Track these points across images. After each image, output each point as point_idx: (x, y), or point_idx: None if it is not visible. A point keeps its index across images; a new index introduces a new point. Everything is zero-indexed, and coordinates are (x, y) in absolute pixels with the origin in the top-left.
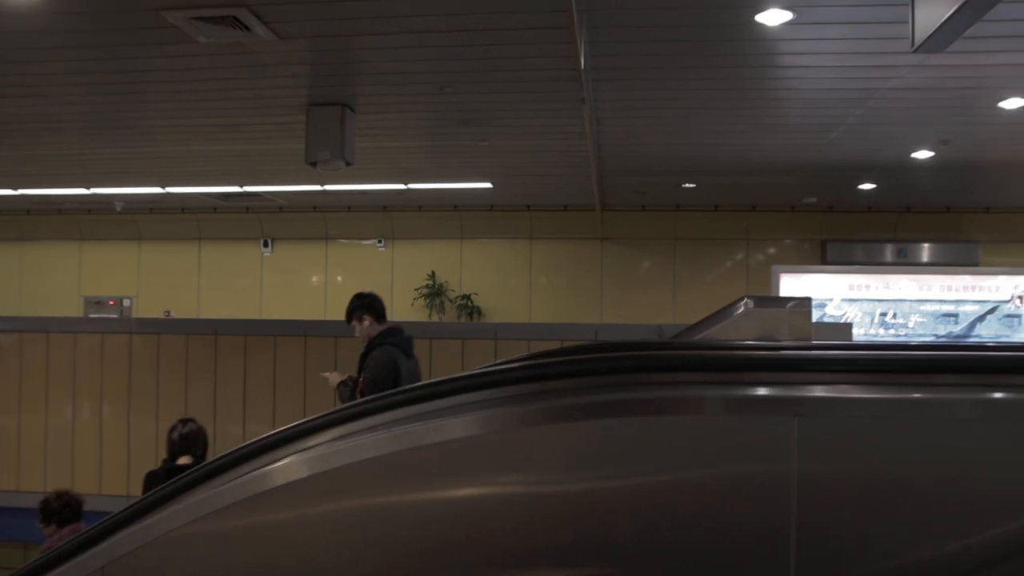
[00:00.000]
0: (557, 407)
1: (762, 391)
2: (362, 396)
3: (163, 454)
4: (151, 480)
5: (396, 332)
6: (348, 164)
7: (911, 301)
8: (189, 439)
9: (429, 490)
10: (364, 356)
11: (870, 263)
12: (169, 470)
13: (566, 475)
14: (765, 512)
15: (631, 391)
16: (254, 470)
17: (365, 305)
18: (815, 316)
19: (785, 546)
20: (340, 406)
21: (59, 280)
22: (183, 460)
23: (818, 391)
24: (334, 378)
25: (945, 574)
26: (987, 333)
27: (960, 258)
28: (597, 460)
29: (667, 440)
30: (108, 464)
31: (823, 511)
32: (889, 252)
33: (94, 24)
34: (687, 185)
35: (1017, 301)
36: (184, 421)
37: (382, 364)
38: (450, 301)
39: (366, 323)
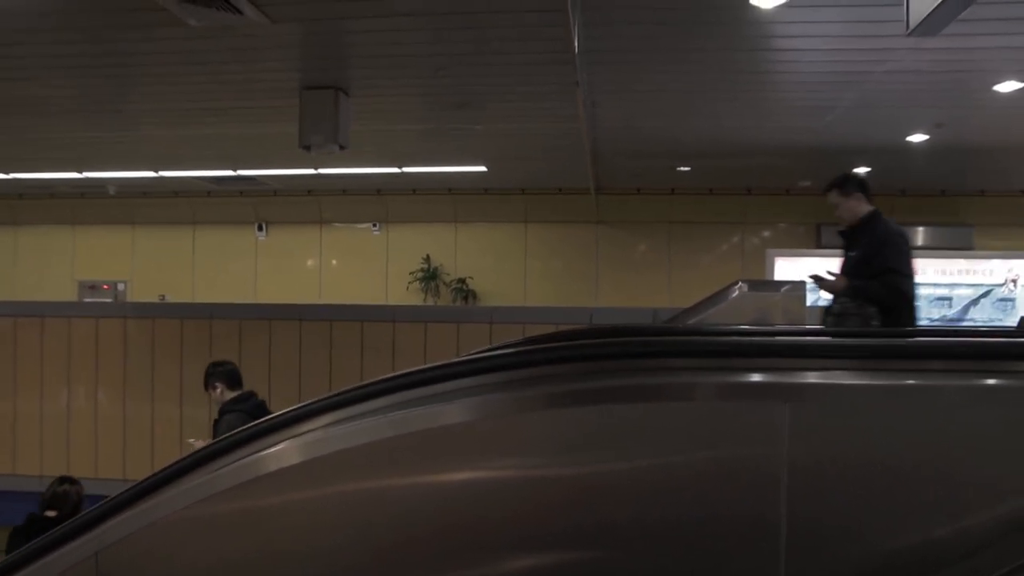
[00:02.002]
0: (549, 393)
1: (753, 377)
2: None
3: (158, 439)
4: (15, 536)
5: (246, 398)
6: (342, 148)
7: None
8: (60, 498)
9: (422, 475)
10: (216, 423)
11: None
12: (33, 521)
13: (558, 461)
14: (756, 496)
15: (623, 378)
16: (249, 455)
17: (218, 374)
18: (809, 300)
19: (776, 529)
20: (336, 390)
21: (53, 264)
22: (50, 513)
23: (808, 377)
24: (198, 444)
25: (936, 557)
26: (981, 317)
27: (955, 242)
28: (589, 446)
29: (659, 426)
30: (104, 448)
31: (813, 495)
32: None
33: (84, 6)
34: (682, 168)
35: (1011, 284)
36: (63, 480)
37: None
38: (445, 285)
39: (219, 391)
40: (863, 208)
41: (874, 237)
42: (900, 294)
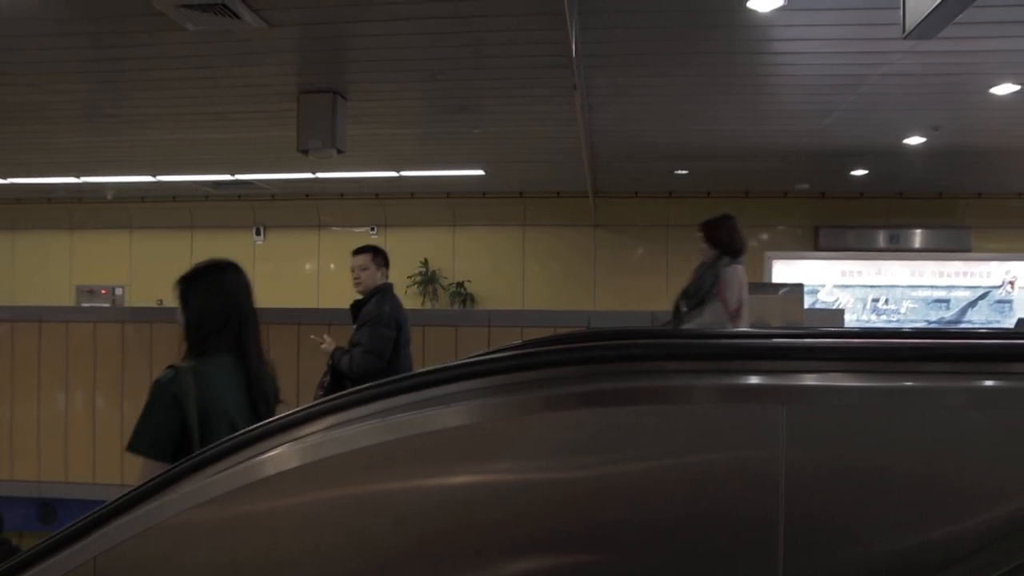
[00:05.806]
0: (547, 396)
1: (749, 380)
2: None
3: None
4: None
5: None
6: (340, 152)
7: (903, 287)
8: None
9: (421, 479)
10: None
11: (862, 249)
12: None
13: (556, 464)
14: (753, 500)
15: (620, 380)
16: (248, 459)
17: None
18: (807, 302)
19: (773, 533)
20: (334, 394)
21: (51, 269)
22: None
23: (805, 380)
24: None
25: (934, 562)
26: (978, 319)
27: (952, 244)
28: (586, 449)
29: (656, 429)
30: (101, 453)
31: (811, 498)
32: (881, 238)
33: (82, 11)
34: (680, 172)
35: (1008, 286)
36: None
37: None
38: (443, 288)
39: None
40: (379, 280)
41: (371, 312)
42: (350, 369)
